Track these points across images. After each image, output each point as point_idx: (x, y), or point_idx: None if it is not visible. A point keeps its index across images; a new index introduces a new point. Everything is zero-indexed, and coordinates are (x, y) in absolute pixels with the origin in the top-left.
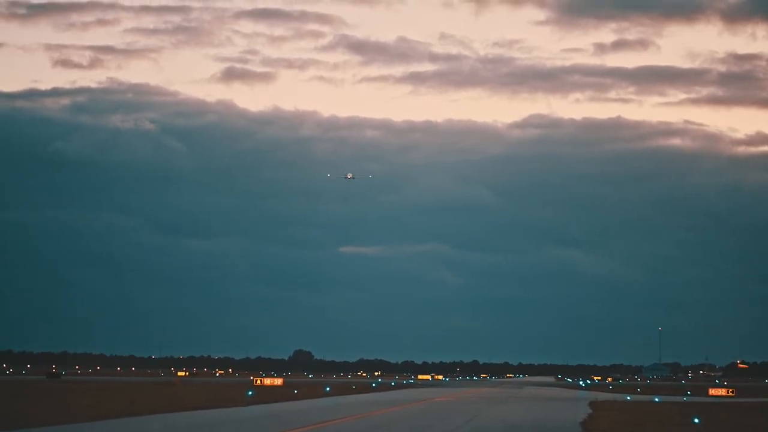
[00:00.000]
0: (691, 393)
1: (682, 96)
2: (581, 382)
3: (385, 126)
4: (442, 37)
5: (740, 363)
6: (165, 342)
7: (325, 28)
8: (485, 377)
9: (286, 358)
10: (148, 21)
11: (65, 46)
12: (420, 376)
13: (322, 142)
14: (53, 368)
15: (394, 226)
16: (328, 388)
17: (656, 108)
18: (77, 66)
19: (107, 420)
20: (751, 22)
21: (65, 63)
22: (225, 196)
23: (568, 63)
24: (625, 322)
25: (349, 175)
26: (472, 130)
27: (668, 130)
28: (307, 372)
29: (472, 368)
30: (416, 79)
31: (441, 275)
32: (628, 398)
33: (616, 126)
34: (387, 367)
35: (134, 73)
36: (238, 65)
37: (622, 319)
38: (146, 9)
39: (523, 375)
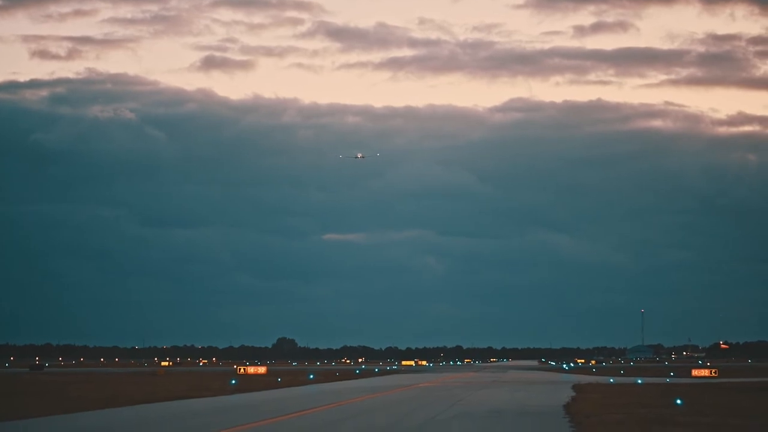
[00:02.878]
0: (674, 374)
1: (662, 77)
2: (565, 366)
3: (366, 112)
4: (421, 22)
5: (723, 344)
6: (148, 332)
7: (303, 15)
8: (469, 362)
9: (270, 346)
10: (126, 11)
11: (43, 37)
12: (404, 362)
13: (304, 129)
14: (36, 360)
15: (377, 212)
16: (311, 376)
17: (636, 90)
18: (55, 57)
19: (85, 411)
20: (729, 2)
21: (43, 54)
22: (207, 185)
23: (547, 46)
24: (607, 305)
25: (360, 155)
26: (453, 115)
27: (649, 112)
28: (291, 360)
29: (456, 353)
30: (395, 64)
31: (424, 261)
32: (612, 381)
33: (597, 108)
34: (371, 354)
35: (113, 63)
36: (217, 54)
37: (604, 301)
38: None
39: (507, 359)
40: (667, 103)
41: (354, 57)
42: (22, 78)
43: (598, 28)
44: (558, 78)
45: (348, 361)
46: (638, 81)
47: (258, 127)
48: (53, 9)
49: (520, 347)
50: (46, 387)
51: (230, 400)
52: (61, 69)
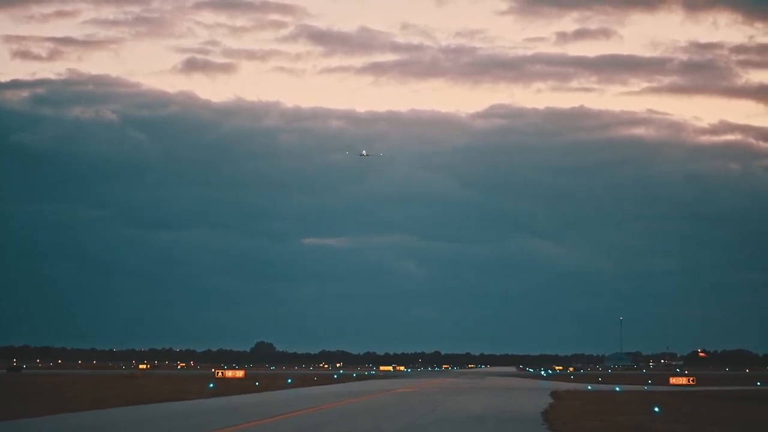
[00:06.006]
0: (652, 382)
1: (644, 85)
2: (543, 372)
3: (349, 116)
4: (404, 27)
5: (701, 352)
6: (126, 335)
7: (287, 19)
8: (447, 368)
9: (248, 350)
10: (108, 12)
11: (24, 38)
12: (382, 368)
13: (287, 133)
14: (14, 362)
15: (358, 217)
16: (289, 380)
17: (618, 97)
18: (37, 58)
19: (81, 411)
20: (712, 10)
21: (25, 55)
22: (188, 188)
23: (530, 52)
24: (586, 312)
25: (364, 153)
26: (435, 120)
27: (632, 120)
28: (269, 364)
29: (434, 359)
30: (378, 69)
31: (404, 266)
32: (589, 388)
33: (580, 115)
34: (349, 359)
35: (95, 64)
36: (199, 56)
37: (583, 308)
38: (106, 0)
39: (485, 365)
40: (649, 111)
41: (336, 61)
42: (3, 78)
43: (580, 34)
44: (540, 84)
45: (326, 366)
46: (620, 88)
47: (240, 130)
48: (35, 10)
49: (498, 353)
50: (38, 389)
51: (211, 403)
52: (42, 70)
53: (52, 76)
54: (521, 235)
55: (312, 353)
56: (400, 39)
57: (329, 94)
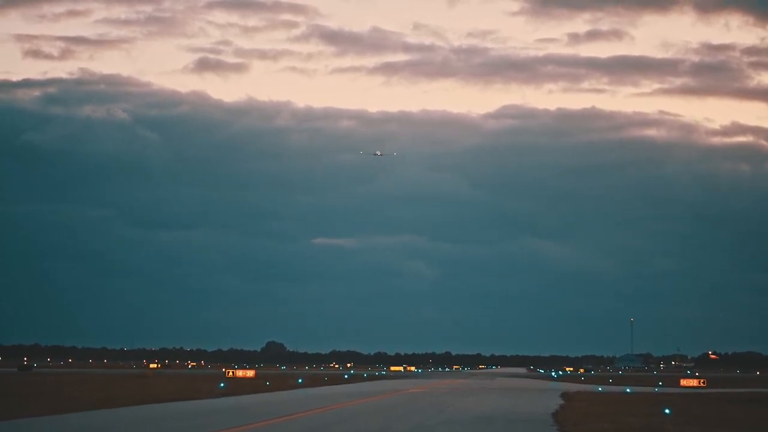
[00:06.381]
0: (663, 384)
1: (656, 86)
2: (553, 373)
3: (360, 116)
4: (416, 27)
5: (711, 354)
6: (137, 334)
7: (298, 18)
8: (457, 368)
9: (259, 349)
10: (120, 11)
11: (36, 37)
12: (392, 368)
13: (298, 133)
14: (25, 360)
15: (368, 217)
16: (300, 380)
17: (630, 98)
18: (48, 57)
19: (91, 410)
20: (724, 12)
21: (36, 54)
22: (198, 188)
23: (541, 53)
24: (597, 313)
25: (378, 153)
26: (446, 121)
27: (643, 121)
28: (280, 364)
29: (445, 359)
30: (389, 69)
31: (414, 266)
32: (600, 389)
33: (591, 116)
34: (359, 359)
35: (106, 63)
36: (211, 56)
37: (594, 309)
38: None
39: (495, 366)
40: (661, 112)
41: (348, 61)
42: (15, 77)
43: (592, 36)
44: (552, 85)
45: (336, 366)
46: (632, 90)
47: (252, 129)
48: (47, 9)
49: (508, 354)
50: (48, 387)
51: (221, 403)
52: (54, 69)
53: (63, 76)
54: (531, 236)
55: (322, 353)
56: (412, 39)
57: (341, 94)
